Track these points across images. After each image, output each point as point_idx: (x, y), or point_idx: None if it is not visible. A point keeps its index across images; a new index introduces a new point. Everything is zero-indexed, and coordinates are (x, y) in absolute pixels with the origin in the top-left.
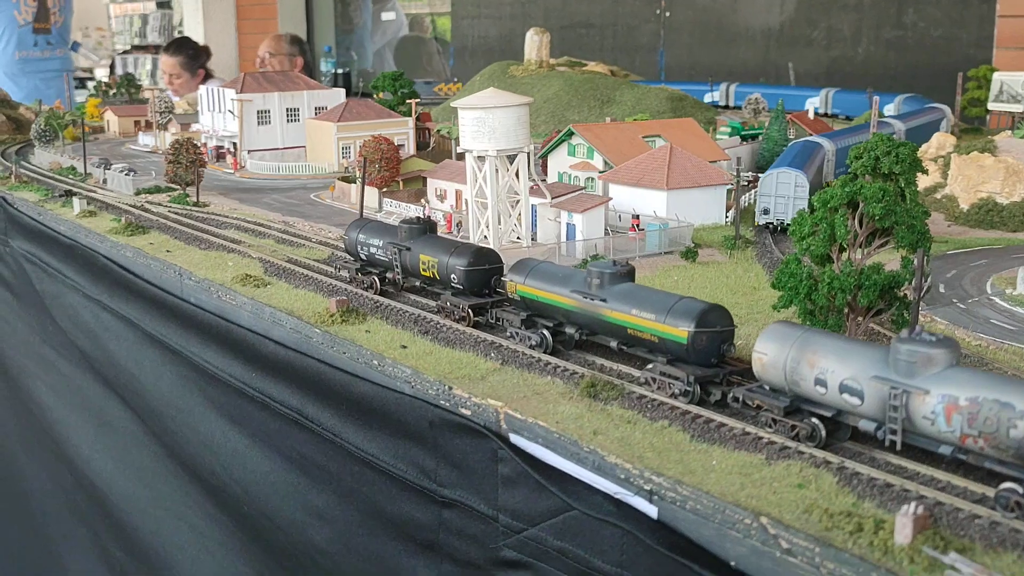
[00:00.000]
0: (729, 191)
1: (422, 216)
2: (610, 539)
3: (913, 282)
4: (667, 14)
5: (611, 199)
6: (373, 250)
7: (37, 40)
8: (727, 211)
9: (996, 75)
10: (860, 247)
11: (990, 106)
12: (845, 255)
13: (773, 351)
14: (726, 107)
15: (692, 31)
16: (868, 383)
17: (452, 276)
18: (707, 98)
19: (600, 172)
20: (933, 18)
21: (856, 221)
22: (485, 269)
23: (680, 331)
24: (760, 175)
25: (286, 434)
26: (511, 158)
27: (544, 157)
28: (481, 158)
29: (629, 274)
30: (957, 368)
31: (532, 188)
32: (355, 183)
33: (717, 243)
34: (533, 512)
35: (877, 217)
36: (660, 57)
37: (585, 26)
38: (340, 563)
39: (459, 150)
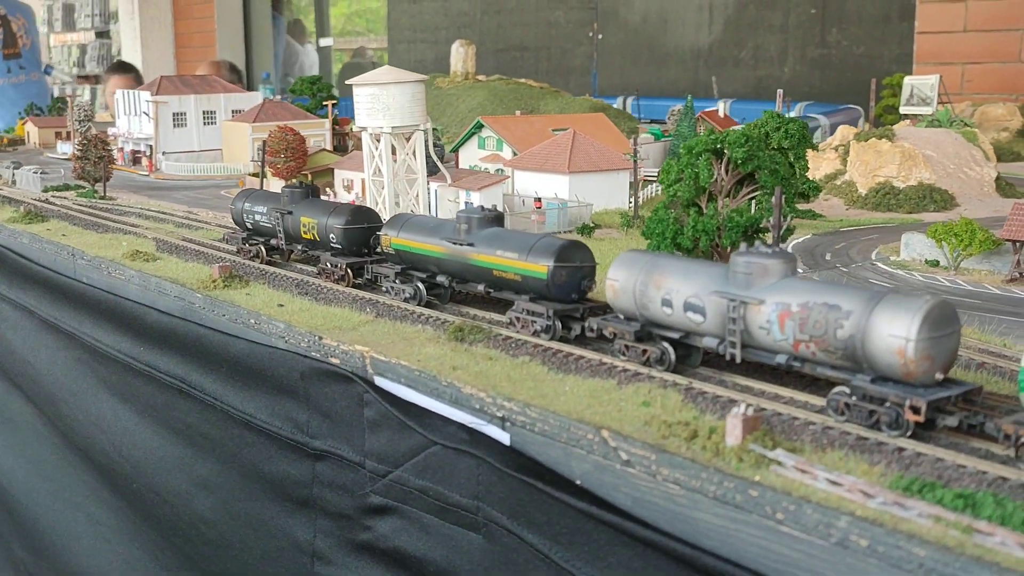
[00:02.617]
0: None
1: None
2: (466, 471)
3: (772, 220)
4: (599, 36)
5: (507, 176)
6: (258, 217)
7: (10, 67)
8: (629, 198)
9: (907, 79)
10: (728, 196)
11: (902, 110)
12: (713, 204)
13: (623, 277)
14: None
15: (624, 52)
16: (709, 299)
17: (331, 236)
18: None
19: (504, 164)
20: (855, 36)
21: (722, 169)
22: (364, 228)
23: (540, 267)
24: None
25: (172, 406)
26: (407, 137)
27: (455, 151)
28: (377, 137)
29: (497, 219)
30: (792, 278)
31: (437, 175)
32: (265, 179)
33: (616, 224)
34: (396, 453)
35: (740, 161)
36: (593, 78)
37: (520, 49)
38: (224, 531)
39: (354, 128)
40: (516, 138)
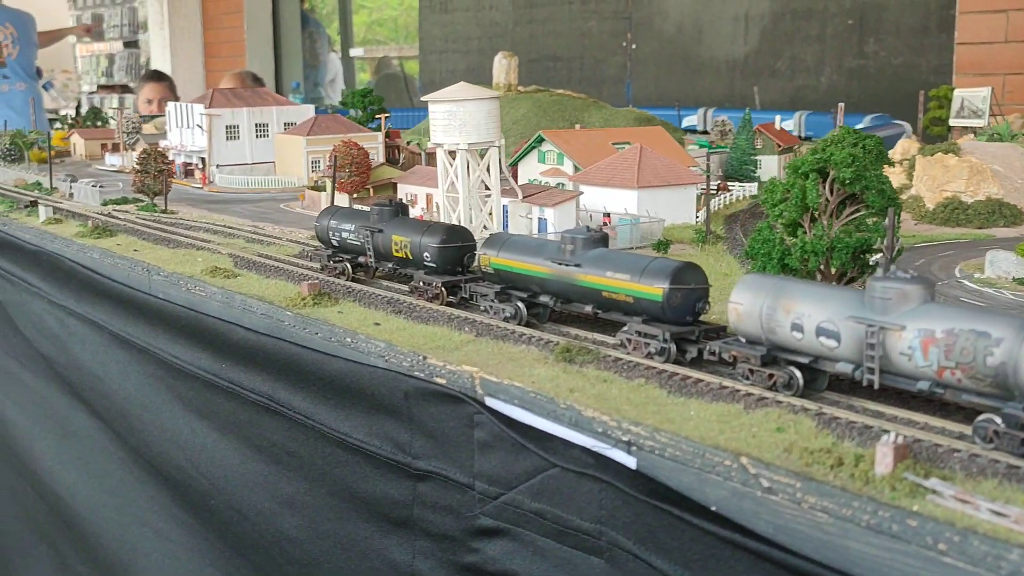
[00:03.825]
0: (699, 195)
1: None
2: (587, 495)
3: (885, 241)
4: (633, 46)
5: (582, 192)
6: (345, 235)
7: None
8: (696, 212)
9: (957, 92)
10: (831, 216)
11: (952, 122)
12: (815, 224)
13: (748, 300)
14: (704, 132)
15: (658, 62)
16: (844, 324)
17: (425, 255)
18: (684, 123)
19: (568, 179)
20: (893, 47)
21: (827, 189)
22: (458, 247)
23: (655, 289)
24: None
25: (256, 423)
26: (481, 154)
27: (514, 165)
28: (452, 153)
29: (603, 240)
30: (932, 303)
31: (505, 189)
32: (324, 191)
33: (688, 239)
34: (510, 475)
35: (847, 182)
36: (627, 88)
37: (552, 59)
38: (310, 550)
39: (429, 146)
40: (577, 152)
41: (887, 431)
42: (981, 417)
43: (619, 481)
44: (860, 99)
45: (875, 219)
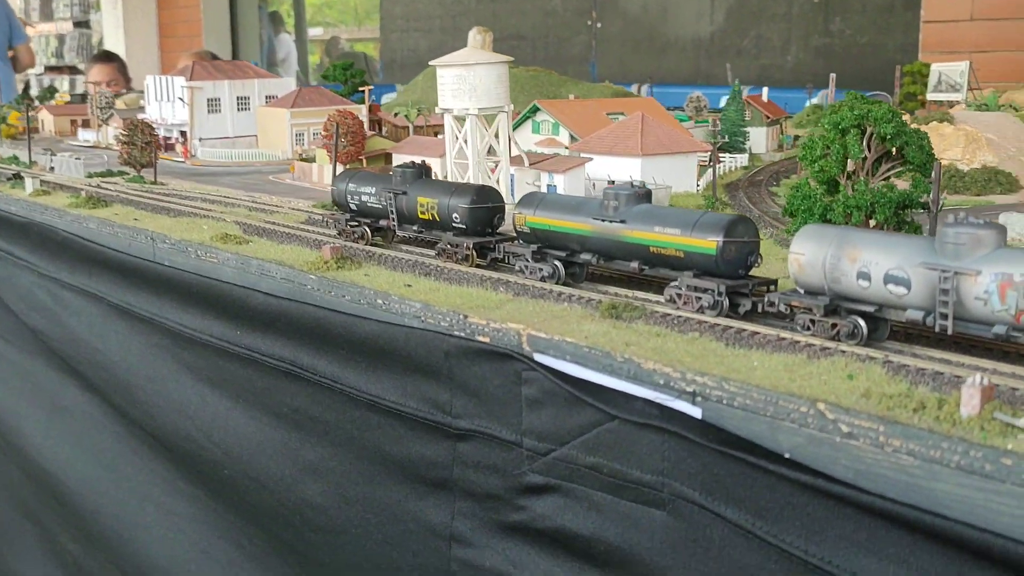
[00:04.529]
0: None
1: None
2: (649, 447)
3: (931, 194)
4: (598, 25)
5: (591, 158)
6: (365, 198)
7: None
8: (697, 179)
9: (934, 66)
10: (867, 174)
11: (929, 96)
12: (863, 180)
13: (810, 250)
14: (678, 108)
15: (623, 41)
16: (915, 271)
17: (454, 216)
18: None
19: (567, 148)
20: (859, 26)
21: (866, 145)
22: (488, 207)
23: (709, 242)
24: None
25: (275, 389)
26: (490, 120)
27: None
28: (460, 118)
29: (647, 196)
30: (1006, 248)
31: (512, 156)
32: (315, 163)
33: (695, 206)
34: (562, 431)
35: (888, 137)
36: (592, 68)
37: (516, 38)
38: (335, 516)
39: (438, 110)
40: (573, 122)
41: (958, 376)
42: None
43: (685, 431)
44: (826, 78)
45: (914, 174)
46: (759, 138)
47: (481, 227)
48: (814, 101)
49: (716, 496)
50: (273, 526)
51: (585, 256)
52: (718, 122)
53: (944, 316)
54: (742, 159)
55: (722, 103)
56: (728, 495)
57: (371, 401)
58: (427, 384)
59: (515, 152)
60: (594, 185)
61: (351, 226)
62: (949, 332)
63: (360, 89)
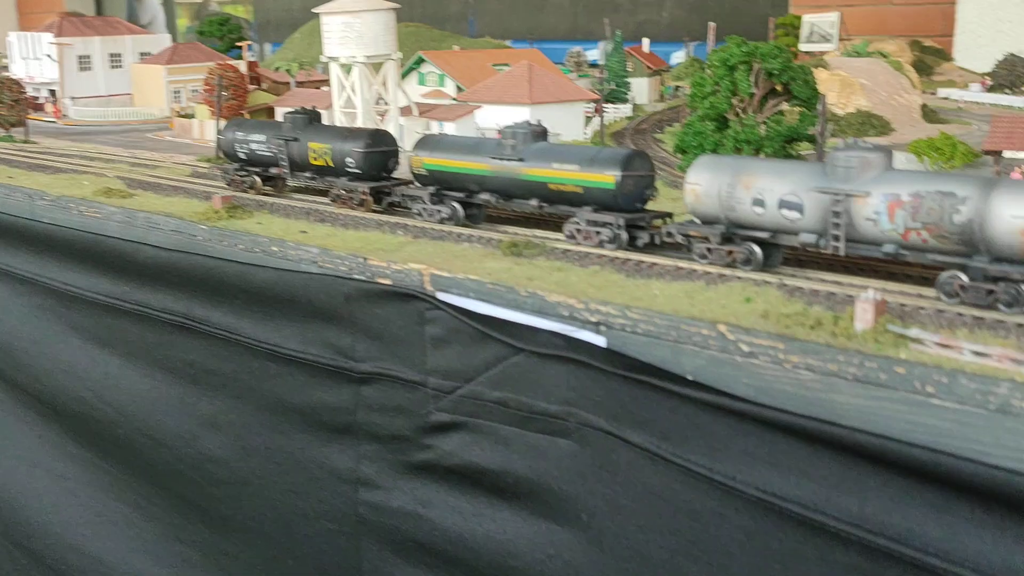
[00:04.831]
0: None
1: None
2: (554, 377)
3: (817, 126)
4: None
5: (479, 106)
6: (255, 146)
7: None
8: (584, 129)
9: (805, 18)
10: (756, 110)
11: (802, 47)
12: (751, 116)
13: (707, 180)
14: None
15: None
16: (808, 195)
17: (348, 161)
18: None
19: (455, 99)
20: None
21: (753, 81)
22: (383, 151)
23: (607, 177)
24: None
25: (169, 344)
26: (377, 68)
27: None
28: (347, 67)
29: (543, 134)
30: (893, 170)
31: (401, 107)
32: (195, 119)
33: None
34: (468, 368)
35: (775, 72)
36: (471, 25)
37: None
38: (237, 469)
39: (323, 58)
40: (459, 73)
41: (851, 296)
42: (945, 274)
43: (590, 360)
44: (701, 31)
45: (801, 109)
46: (641, 88)
47: (376, 171)
48: (690, 53)
49: (621, 422)
50: (172, 483)
51: (484, 196)
52: (604, 70)
53: (836, 238)
54: (626, 109)
55: (598, 53)
56: (633, 420)
57: (270, 350)
58: (328, 329)
59: (404, 102)
60: (484, 134)
61: (240, 176)
62: (841, 253)
63: (237, 45)
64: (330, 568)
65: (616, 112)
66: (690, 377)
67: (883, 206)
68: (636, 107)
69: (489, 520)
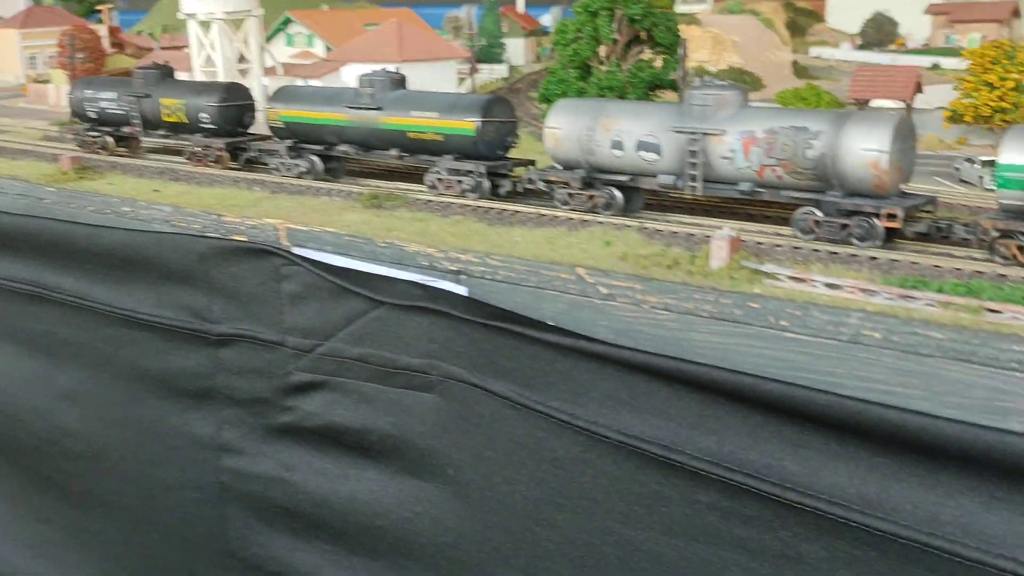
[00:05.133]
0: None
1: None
2: (415, 330)
3: (678, 71)
4: None
5: (345, 63)
6: (105, 105)
7: None
8: (457, 87)
9: None
10: (619, 57)
11: (678, 8)
12: (615, 62)
13: (566, 123)
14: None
15: None
16: (665, 136)
17: (202, 116)
18: None
19: (324, 60)
20: None
21: (616, 29)
22: (238, 105)
23: (467, 123)
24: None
25: (19, 315)
26: (237, 25)
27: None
28: (206, 24)
29: (402, 82)
30: (748, 108)
31: (268, 68)
32: (51, 83)
33: None
34: (327, 324)
35: (637, 18)
36: None
37: None
38: (95, 441)
39: (180, 15)
40: (328, 33)
41: (709, 236)
42: (800, 211)
43: (450, 309)
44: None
45: (664, 55)
46: (517, 49)
47: (232, 126)
48: (562, 14)
49: (484, 372)
50: (27, 460)
51: (343, 147)
52: (474, 24)
53: (693, 178)
54: (501, 70)
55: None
56: (496, 369)
57: (125, 316)
58: (182, 291)
59: (269, 63)
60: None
61: (92, 136)
62: (699, 193)
63: (97, 9)
64: (196, 539)
65: (492, 73)
66: (551, 323)
67: (738, 144)
68: (512, 68)
69: (354, 481)
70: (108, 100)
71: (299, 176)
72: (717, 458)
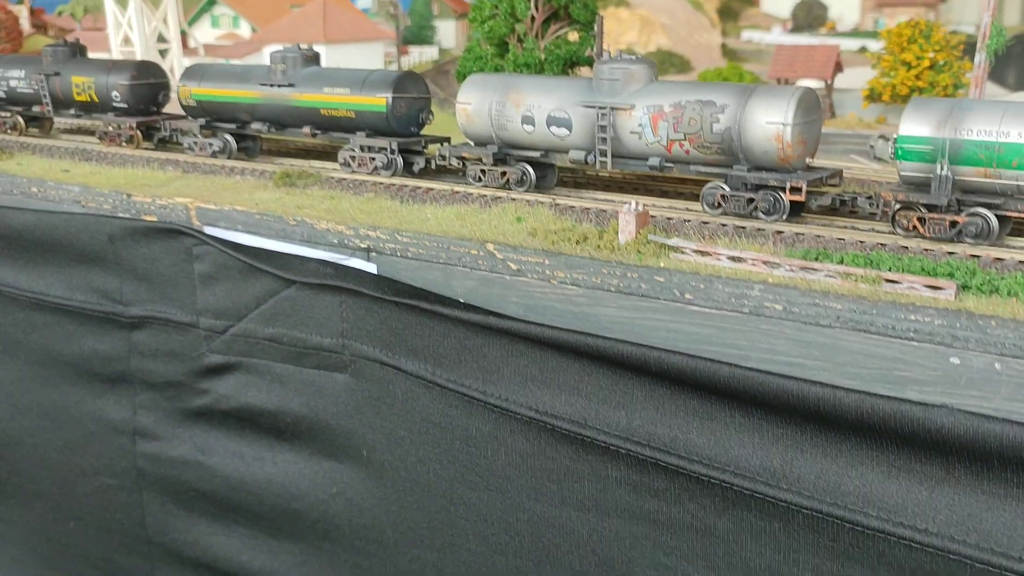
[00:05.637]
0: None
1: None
2: (327, 309)
3: (595, 48)
4: None
5: (265, 43)
6: (14, 83)
7: None
8: (386, 66)
9: None
10: (536, 34)
11: None
12: (531, 40)
13: (477, 98)
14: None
15: None
16: (575, 110)
17: (114, 95)
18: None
19: (249, 40)
20: None
21: (533, 5)
22: (151, 84)
23: (378, 99)
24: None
25: None
26: (156, 3)
27: (183, 34)
28: (123, 2)
29: (315, 58)
30: (657, 83)
31: (191, 50)
32: None
33: None
34: (240, 304)
35: None
36: None
37: None
38: (8, 429)
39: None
40: (253, 14)
41: (605, 212)
42: (708, 186)
43: (361, 287)
44: None
45: (581, 32)
46: (448, 32)
47: (144, 105)
48: None
49: (396, 351)
50: None
51: (256, 126)
52: (399, 4)
53: (603, 153)
54: (432, 52)
55: None
56: (407, 347)
57: (34, 299)
58: (93, 273)
59: (192, 44)
60: None
61: (1, 117)
62: (609, 168)
63: None
64: (113, 526)
65: (422, 55)
66: (461, 301)
67: (647, 118)
68: (443, 50)
69: (270, 463)
70: (16, 79)
71: (213, 155)
72: (627, 433)
